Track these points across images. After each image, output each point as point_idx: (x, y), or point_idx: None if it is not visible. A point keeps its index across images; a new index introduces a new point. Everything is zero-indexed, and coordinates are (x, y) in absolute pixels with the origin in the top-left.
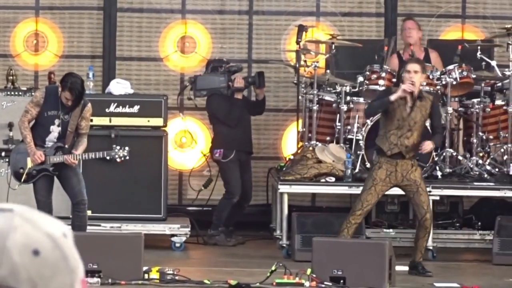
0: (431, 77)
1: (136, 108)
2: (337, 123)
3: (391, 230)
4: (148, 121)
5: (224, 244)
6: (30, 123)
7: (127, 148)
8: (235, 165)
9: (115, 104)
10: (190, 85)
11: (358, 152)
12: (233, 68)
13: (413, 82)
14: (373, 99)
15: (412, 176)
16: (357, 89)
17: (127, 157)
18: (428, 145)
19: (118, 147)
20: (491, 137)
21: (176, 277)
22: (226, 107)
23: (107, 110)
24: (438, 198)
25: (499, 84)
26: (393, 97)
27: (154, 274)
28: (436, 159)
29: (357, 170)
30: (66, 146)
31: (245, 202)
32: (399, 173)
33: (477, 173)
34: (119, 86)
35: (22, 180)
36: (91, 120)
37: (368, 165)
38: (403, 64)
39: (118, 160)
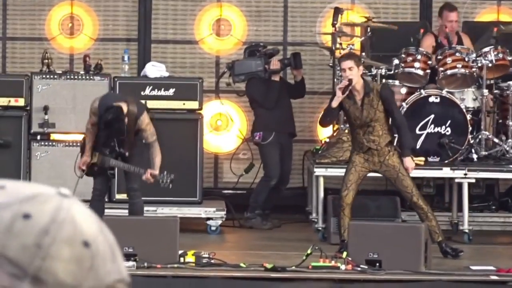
0: (466, 59)
1: (171, 91)
2: None
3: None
4: (184, 104)
5: (260, 227)
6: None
7: (172, 175)
8: (275, 147)
9: (151, 87)
10: (229, 71)
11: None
12: (270, 51)
13: (349, 79)
14: (409, 81)
15: (390, 161)
16: (392, 72)
17: (170, 186)
18: (409, 164)
19: (165, 173)
20: None
21: (212, 261)
22: (263, 90)
23: (142, 93)
24: (473, 181)
25: None
26: (334, 103)
27: (190, 258)
28: (471, 141)
29: None
30: (126, 153)
31: (282, 185)
32: (376, 158)
33: None
34: (154, 69)
35: (84, 173)
36: (152, 120)
37: None
38: (439, 47)
39: (161, 185)
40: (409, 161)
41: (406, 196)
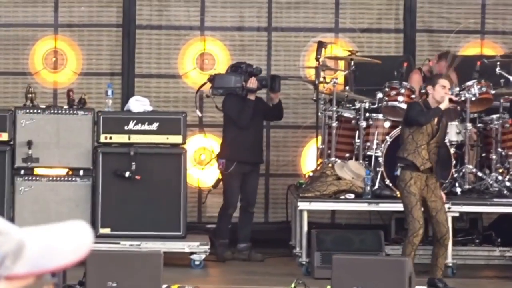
0: (450, 93)
1: (155, 126)
2: (356, 140)
3: None
4: (167, 138)
5: (222, 256)
6: None
7: None
8: (235, 178)
9: (134, 121)
10: (209, 83)
11: (378, 168)
12: (251, 69)
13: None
14: (393, 115)
15: (438, 192)
16: (376, 106)
17: None
18: (444, 196)
19: None
20: (510, 153)
21: None
22: (239, 107)
23: (126, 128)
24: (457, 214)
25: None
26: (443, 106)
27: None
28: (455, 175)
29: (376, 187)
30: None
31: (249, 207)
32: (429, 188)
33: (497, 189)
34: (138, 104)
35: None
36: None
37: (387, 182)
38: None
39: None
40: (442, 193)
41: (441, 230)
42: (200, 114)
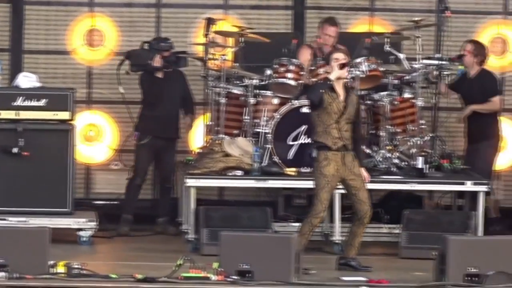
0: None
1: (43, 102)
2: (245, 117)
3: (298, 224)
4: (56, 114)
5: (120, 232)
6: None
7: None
8: (147, 150)
9: (22, 97)
10: (126, 59)
11: (266, 145)
12: (162, 46)
13: (347, 61)
14: (281, 92)
15: (356, 170)
16: (265, 82)
17: None
18: (366, 174)
19: None
20: (399, 130)
21: (83, 271)
22: (149, 84)
23: (14, 104)
24: (345, 191)
25: (407, 77)
26: (333, 76)
27: (61, 268)
28: None
29: (264, 163)
30: None
31: (166, 182)
32: (346, 166)
33: (385, 166)
34: (26, 80)
35: None
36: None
37: (275, 158)
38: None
39: None
40: (365, 171)
41: (363, 208)
42: (123, 91)
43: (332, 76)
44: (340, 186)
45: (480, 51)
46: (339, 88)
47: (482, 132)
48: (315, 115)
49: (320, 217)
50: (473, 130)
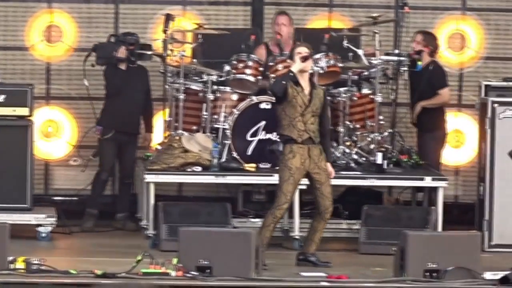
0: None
1: (1, 98)
2: (204, 112)
3: (258, 219)
4: (14, 110)
5: (83, 228)
6: None
7: None
8: (111, 145)
9: None
10: (93, 52)
11: (225, 141)
12: (128, 38)
13: (310, 53)
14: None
15: (323, 164)
16: (224, 78)
17: None
18: (332, 169)
19: None
20: (358, 126)
21: (42, 267)
22: (111, 75)
23: None
24: (305, 187)
25: (366, 73)
26: (295, 68)
27: (20, 264)
28: None
29: (223, 159)
30: None
31: (125, 178)
32: (312, 159)
33: (344, 162)
34: None
35: None
36: None
37: (234, 154)
38: (270, 55)
39: None
40: (330, 167)
41: (325, 204)
42: (87, 83)
43: (294, 69)
44: (303, 181)
45: (430, 42)
46: (304, 82)
47: (427, 124)
48: (280, 109)
49: (283, 209)
50: (419, 122)
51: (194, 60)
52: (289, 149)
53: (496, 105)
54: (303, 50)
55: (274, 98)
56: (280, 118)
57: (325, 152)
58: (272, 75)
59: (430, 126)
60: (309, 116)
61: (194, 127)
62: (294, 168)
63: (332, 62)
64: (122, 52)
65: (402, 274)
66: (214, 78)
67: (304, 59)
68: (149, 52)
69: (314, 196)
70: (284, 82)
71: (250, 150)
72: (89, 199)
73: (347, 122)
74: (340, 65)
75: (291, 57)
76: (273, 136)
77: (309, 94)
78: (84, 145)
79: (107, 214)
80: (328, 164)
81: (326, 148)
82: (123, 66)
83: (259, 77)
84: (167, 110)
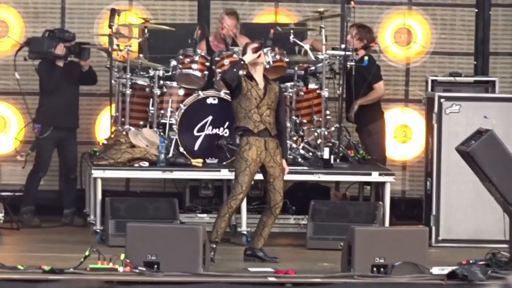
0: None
1: None
2: (151, 108)
3: (205, 215)
4: None
5: (30, 223)
6: None
7: None
8: (50, 143)
9: None
10: (26, 46)
11: (172, 136)
12: (64, 35)
13: (260, 42)
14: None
15: (278, 158)
16: (170, 73)
17: None
18: (286, 166)
19: None
20: (304, 121)
21: None
22: (48, 73)
23: None
24: (252, 182)
25: (313, 67)
26: (246, 59)
27: None
28: None
29: (170, 154)
30: None
31: (70, 174)
32: (268, 152)
33: (291, 157)
34: None
35: None
36: None
37: (181, 149)
38: (210, 50)
39: None
40: (286, 164)
41: (276, 199)
42: (18, 77)
43: (246, 59)
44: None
45: (364, 35)
46: (258, 77)
47: (365, 119)
48: (236, 103)
49: (238, 199)
50: (357, 118)
51: (141, 55)
52: (246, 141)
53: (442, 100)
54: (254, 43)
55: (228, 91)
56: (236, 112)
57: (281, 148)
58: (219, 70)
59: (369, 120)
60: (264, 108)
61: (141, 122)
62: (250, 160)
63: (278, 57)
64: (60, 49)
65: (349, 269)
66: (160, 73)
67: (256, 50)
68: (87, 47)
69: (266, 190)
70: (235, 70)
71: (197, 145)
72: (26, 198)
73: (294, 117)
74: (286, 60)
75: (244, 51)
76: (220, 131)
77: (264, 88)
78: (31, 141)
79: (55, 209)
80: (284, 160)
81: (282, 144)
82: (60, 63)
83: (206, 72)
84: (113, 106)
